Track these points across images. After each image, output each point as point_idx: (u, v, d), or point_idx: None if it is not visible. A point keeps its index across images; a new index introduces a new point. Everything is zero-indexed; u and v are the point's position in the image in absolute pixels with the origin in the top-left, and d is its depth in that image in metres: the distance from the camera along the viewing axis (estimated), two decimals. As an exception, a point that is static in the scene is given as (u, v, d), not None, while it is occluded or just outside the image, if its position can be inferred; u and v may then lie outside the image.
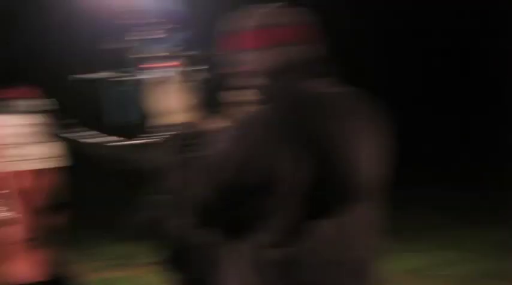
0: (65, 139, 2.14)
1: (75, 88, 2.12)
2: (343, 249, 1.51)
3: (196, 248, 1.78)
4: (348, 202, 1.49)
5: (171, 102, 1.61)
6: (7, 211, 2.28)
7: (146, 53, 1.70)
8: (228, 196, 1.47)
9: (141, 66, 1.70)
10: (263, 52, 1.57)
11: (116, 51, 1.77)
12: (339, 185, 1.47)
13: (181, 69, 1.67)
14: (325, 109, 1.50)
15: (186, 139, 1.56)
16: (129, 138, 2.04)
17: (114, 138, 2.10)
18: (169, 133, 1.59)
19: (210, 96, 1.69)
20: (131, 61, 1.73)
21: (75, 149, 2.14)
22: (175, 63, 1.68)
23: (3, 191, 2.32)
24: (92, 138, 2.14)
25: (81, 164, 2.35)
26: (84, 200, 2.51)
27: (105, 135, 2.13)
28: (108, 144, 2.11)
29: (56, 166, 2.18)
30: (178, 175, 1.51)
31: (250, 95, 1.67)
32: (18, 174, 2.29)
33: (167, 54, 1.70)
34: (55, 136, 2.13)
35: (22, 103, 2.09)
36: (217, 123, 1.62)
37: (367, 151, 1.54)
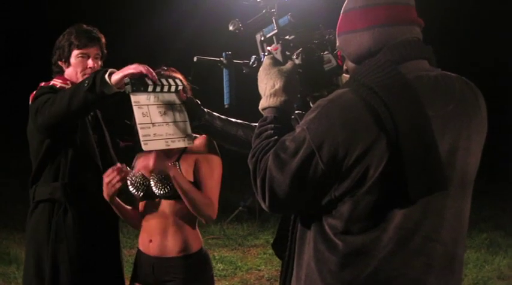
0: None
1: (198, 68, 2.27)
2: (420, 241, 1.42)
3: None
4: (429, 194, 1.39)
5: (267, 85, 1.60)
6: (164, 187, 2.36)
7: (268, 36, 1.75)
8: (300, 180, 1.42)
9: (268, 48, 1.73)
10: (356, 34, 1.50)
11: (241, 33, 1.84)
12: (417, 176, 1.36)
13: (278, 53, 1.67)
14: (412, 94, 1.39)
15: (272, 123, 1.55)
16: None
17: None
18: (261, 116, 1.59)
19: (309, 79, 1.68)
20: (259, 44, 1.79)
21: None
22: (275, 47, 1.70)
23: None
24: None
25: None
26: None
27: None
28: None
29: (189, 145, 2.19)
30: (261, 157, 1.49)
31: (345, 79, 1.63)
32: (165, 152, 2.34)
33: (269, 38, 1.74)
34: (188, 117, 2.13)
35: (166, 82, 2.08)
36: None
37: (464, 143, 1.45)
